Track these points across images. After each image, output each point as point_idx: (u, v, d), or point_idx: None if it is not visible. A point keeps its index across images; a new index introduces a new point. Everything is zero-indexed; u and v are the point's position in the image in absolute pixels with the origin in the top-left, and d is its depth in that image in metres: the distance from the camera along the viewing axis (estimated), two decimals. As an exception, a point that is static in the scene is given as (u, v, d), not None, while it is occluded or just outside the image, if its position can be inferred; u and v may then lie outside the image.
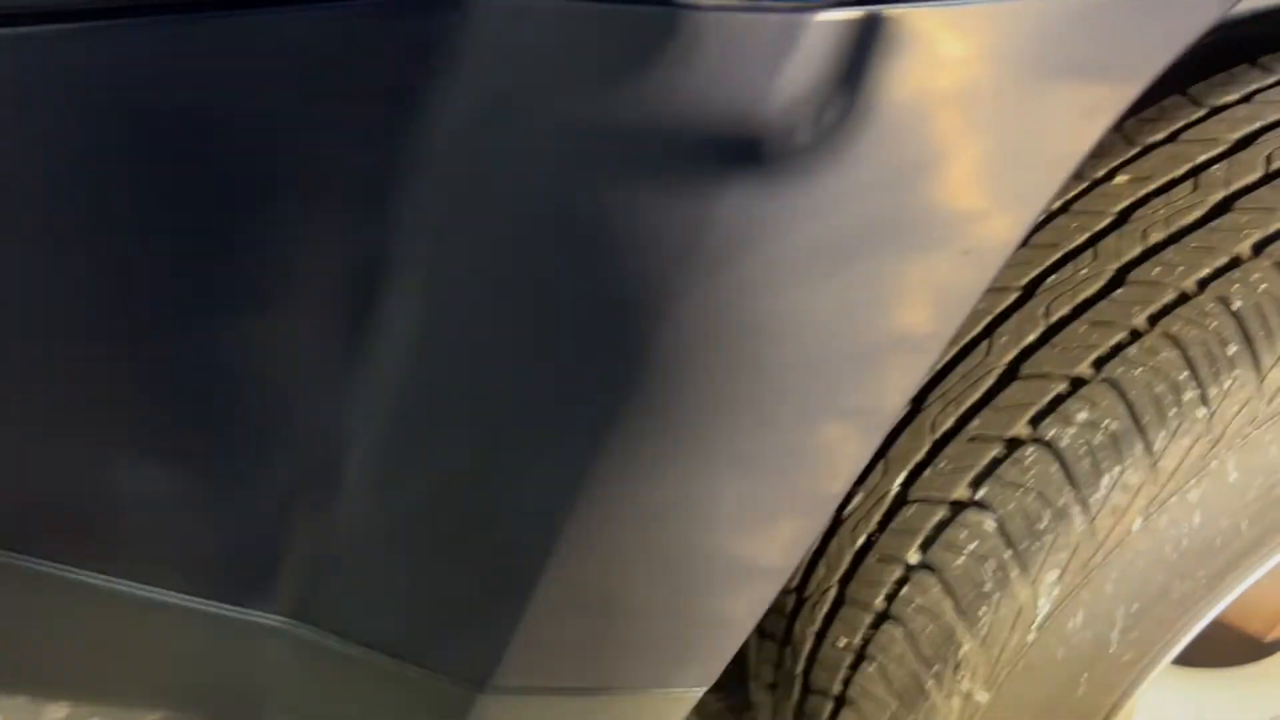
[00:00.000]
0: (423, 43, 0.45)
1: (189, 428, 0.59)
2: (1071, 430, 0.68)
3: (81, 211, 0.50)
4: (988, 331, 0.75)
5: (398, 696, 0.67)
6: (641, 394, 0.53)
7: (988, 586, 0.70)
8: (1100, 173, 0.78)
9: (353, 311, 0.52)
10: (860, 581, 0.76)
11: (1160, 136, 0.78)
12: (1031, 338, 0.73)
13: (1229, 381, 0.65)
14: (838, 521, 0.78)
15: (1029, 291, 0.75)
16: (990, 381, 0.73)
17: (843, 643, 0.76)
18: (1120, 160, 0.78)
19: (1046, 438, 0.69)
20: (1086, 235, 0.75)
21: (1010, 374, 0.73)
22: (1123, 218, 0.75)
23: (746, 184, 0.47)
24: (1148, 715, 0.87)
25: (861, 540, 0.77)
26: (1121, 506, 0.66)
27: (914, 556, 0.73)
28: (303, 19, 0.45)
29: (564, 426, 0.56)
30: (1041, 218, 0.77)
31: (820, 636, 0.78)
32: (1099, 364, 0.69)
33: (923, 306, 0.54)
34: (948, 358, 0.75)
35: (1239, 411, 0.65)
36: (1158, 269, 0.71)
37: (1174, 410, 0.66)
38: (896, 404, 0.59)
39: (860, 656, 0.76)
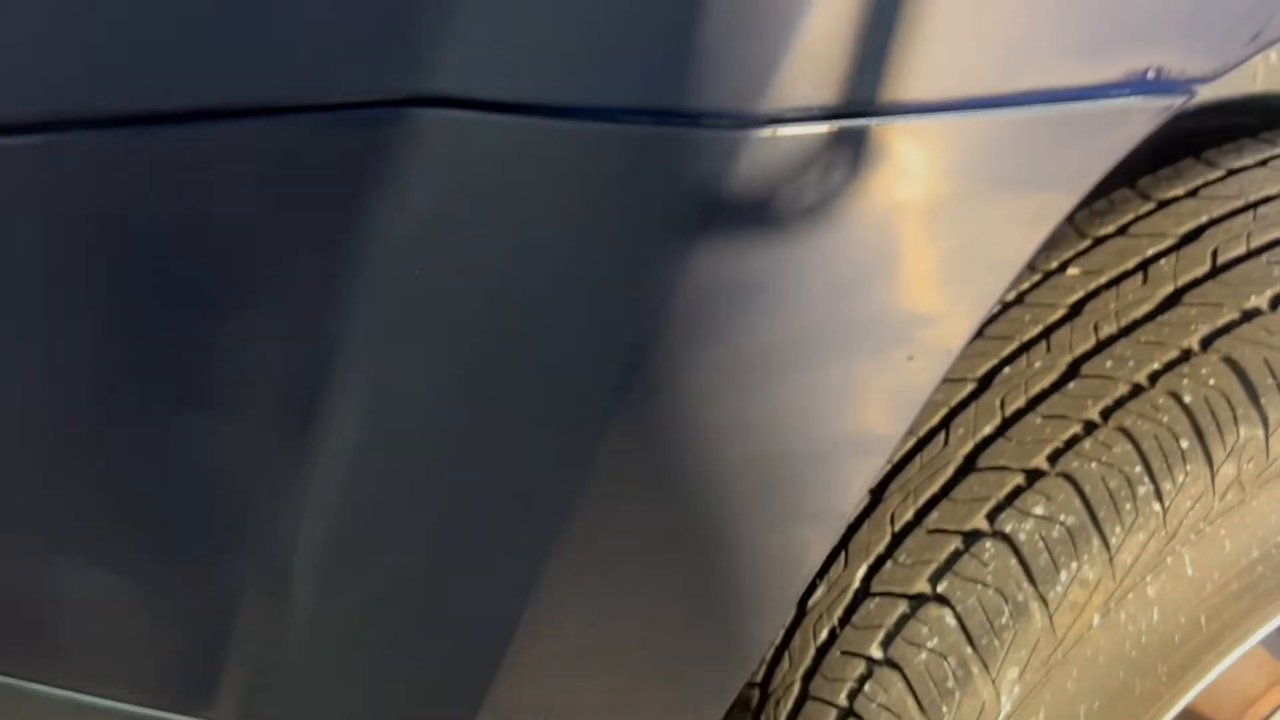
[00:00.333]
0: (370, 155, 0.46)
1: (132, 529, 0.58)
2: (1029, 524, 0.68)
3: (21, 318, 0.50)
4: (945, 423, 0.75)
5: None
6: (595, 496, 0.53)
7: (950, 684, 0.69)
8: (1053, 265, 0.79)
9: (300, 415, 0.52)
10: (823, 677, 0.75)
11: (1110, 230, 0.79)
12: (988, 430, 0.73)
13: (1182, 476, 0.66)
14: (801, 614, 0.77)
15: (985, 383, 0.76)
16: (948, 474, 0.73)
17: (806, 741, 0.75)
18: (1072, 253, 0.79)
19: (1005, 531, 0.69)
20: (1040, 327, 0.76)
21: (968, 466, 0.73)
22: (1075, 310, 0.76)
23: (697, 293, 0.47)
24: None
25: (825, 634, 0.76)
26: (1080, 602, 0.66)
27: (876, 652, 0.72)
28: (252, 131, 0.46)
29: (516, 530, 0.55)
30: (995, 310, 0.78)
31: (784, 734, 0.77)
32: (1054, 457, 0.70)
33: (875, 408, 0.54)
34: (906, 448, 0.75)
35: (1193, 506, 0.66)
36: (1110, 362, 0.71)
37: (1129, 505, 0.66)
38: (852, 502, 0.59)
39: (824, 755, 0.75)
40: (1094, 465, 0.68)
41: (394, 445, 0.52)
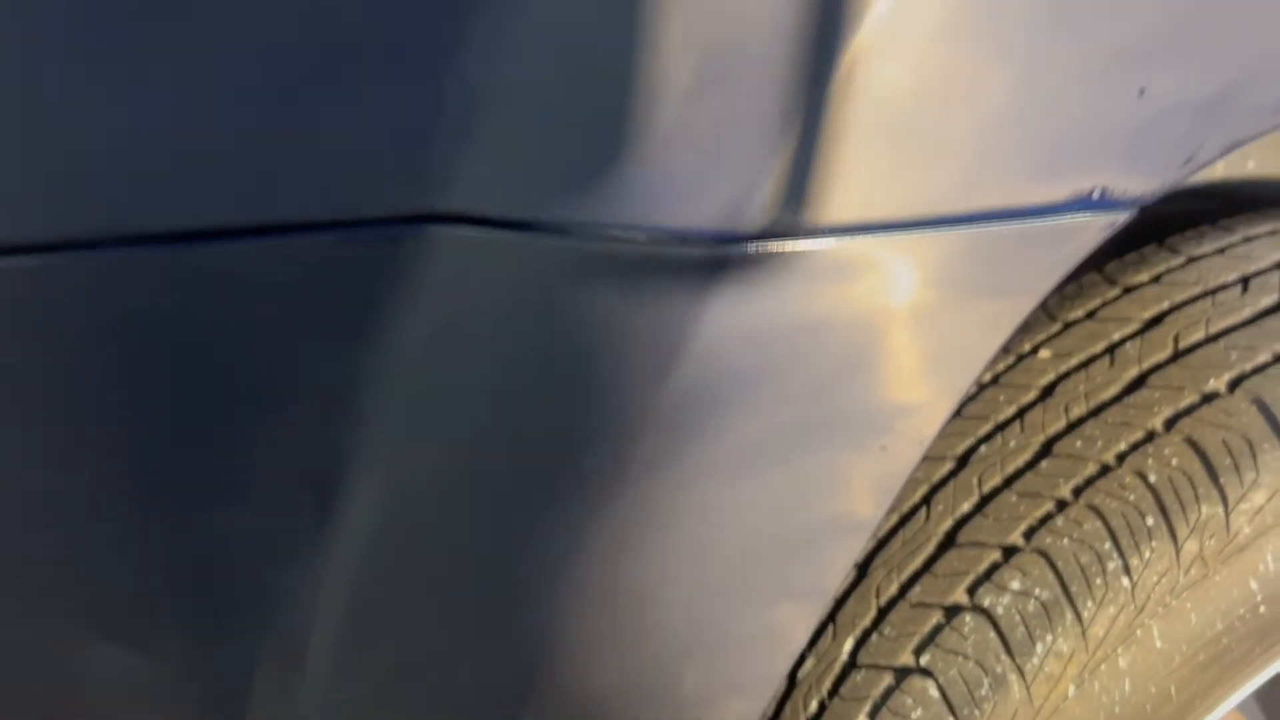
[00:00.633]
0: (387, 267, 0.50)
1: (157, 612, 0.61)
2: (1006, 599, 0.72)
3: (63, 414, 0.53)
4: (926, 500, 0.79)
5: None
6: (594, 580, 0.56)
7: (934, 754, 0.72)
8: (1026, 347, 0.84)
9: (318, 508, 0.55)
10: (813, 749, 0.78)
11: (1079, 314, 0.84)
12: (966, 507, 0.77)
13: (1148, 552, 0.69)
14: (791, 686, 0.80)
15: (963, 461, 0.79)
16: (930, 549, 0.77)
17: (796, 814, 0.78)
18: (1044, 336, 0.83)
19: (984, 605, 0.73)
20: (1014, 408, 0.80)
21: (948, 542, 0.77)
22: (1047, 392, 0.80)
23: (688, 392, 0.51)
24: None
25: (814, 706, 0.79)
26: (1055, 674, 0.69)
27: (863, 723, 0.75)
28: (277, 246, 0.50)
29: (521, 611, 0.59)
30: (972, 391, 0.82)
31: (775, 808, 0.80)
32: (1029, 534, 0.73)
33: (856, 494, 0.58)
34: (890, 525, 0.79)
35: (1159, 581, 0.69)
36: (1080, 442, 0.75)
37: (1099, 580, 0.70)
38: (838, 580, 0.63)
39: (814, 828, 0.77)
40: (1066, 541, 0.71)
41: (406, 535, 0.56)
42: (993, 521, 0.75)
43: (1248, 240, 0.85)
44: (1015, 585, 0.72)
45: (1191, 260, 0.84)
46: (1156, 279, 0.83)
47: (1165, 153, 0.50)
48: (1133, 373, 0.77)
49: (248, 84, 0.45)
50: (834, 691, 0.77)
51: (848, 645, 0.78)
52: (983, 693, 0.71)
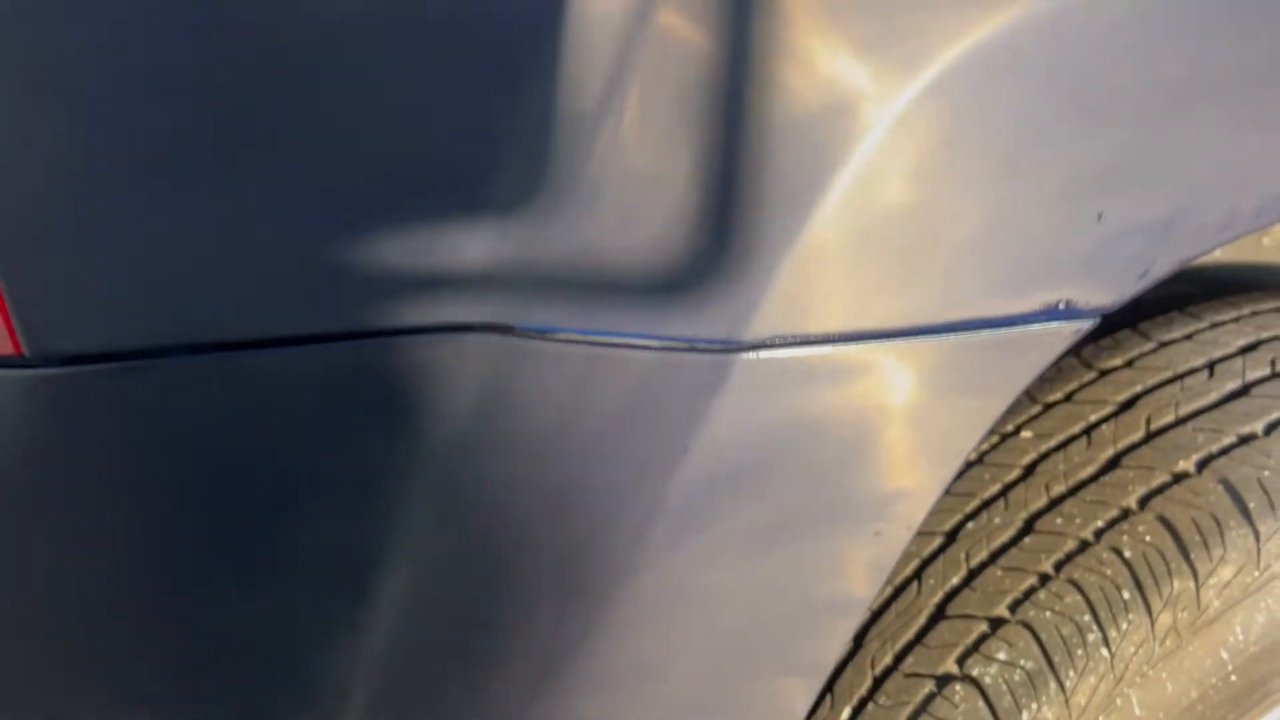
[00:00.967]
0: (423, 372, 0.55)
1: (200, 690, 0.65)
2: (993, 669, 0.76)
3: (124, 507, 0.58)
4: (917, 573, 0.84)
5: None
6: (605, 657, 0.61)
7: (929, 819, 0.76)
8: (1009, 428, 0.89)
9: (354, 589, 0.60)
10: (813, 817, 0.82)
11: (1058, 396, 0.89)
12: (955, 580, 0.82)
13: (1125, 624, 0.74)
14: (792, 754, 0.84)
15: (951, 537, 0.84)
16: (921, 621, 0.81)
17: None
18: (1026, 418, 0.89)
19: (972, 675, 0.77)
20: (999, 486, 0.85)
21: (938, 614, 0.81)
22: (1029, 471, 0.85)
23: (696, 483, 0.56)
24: None
25: (815, 774, 0.83)
26: (1041, 741, 0.74)
27: (862, 790, 0.79)
28: (323, 352, 0.55)
29: (543, 681, 0.63)
30: (960, 470, 0.87)
31: None
32: (1014, 607, 0.78)
33: (851, 574, 0.63)
34: (884, 598, 0.84)
35: (1136, 651, 0.74)
36: (1060, 519, 0.80)
37: (1080, 650, 0.74)
38: (835, 655, 0.67)
39: None
40: (1049, 614, 0.76)
41: (434, 616, 0.61)
42: (980, 595, 0.80)
43: (1214, 326, 0.91)
44: (1002, 656, 0.76)
45: (1162, 345, 0.90)
46: (1129, 363, 0.89)
47: (1122, 269, 0.56)
48: (1108, 453, 0.82)
49: (314, 212, 0.51)
50: (833, 759, 0.81)
51: (845, 714, 0.82)
52: (974, 760, 0.75)
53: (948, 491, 0.86)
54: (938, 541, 0.85)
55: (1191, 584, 0.74)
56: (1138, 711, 0.74)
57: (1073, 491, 0.81)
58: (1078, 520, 0.79)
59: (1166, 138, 0.54)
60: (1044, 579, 0.78)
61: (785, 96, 0.50)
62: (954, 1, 0.49)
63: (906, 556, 0.84)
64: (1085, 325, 0.57)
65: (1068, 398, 0.89)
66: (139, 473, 0.56)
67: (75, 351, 0.53)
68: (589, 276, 0.54)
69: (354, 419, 0.56)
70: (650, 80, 0.51)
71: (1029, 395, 0.90)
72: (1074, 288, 0.55)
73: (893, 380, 0.56)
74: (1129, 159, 0.54)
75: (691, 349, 0.54)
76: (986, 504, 0.85)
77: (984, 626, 0.78)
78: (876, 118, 0.50)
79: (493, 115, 0.51)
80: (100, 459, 0.56)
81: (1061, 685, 0.74)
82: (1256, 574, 0.75)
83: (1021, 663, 0.75)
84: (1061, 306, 0.56)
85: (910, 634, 0.82)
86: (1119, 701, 0.74)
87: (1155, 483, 0.79)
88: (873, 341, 0.54)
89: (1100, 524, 0.78)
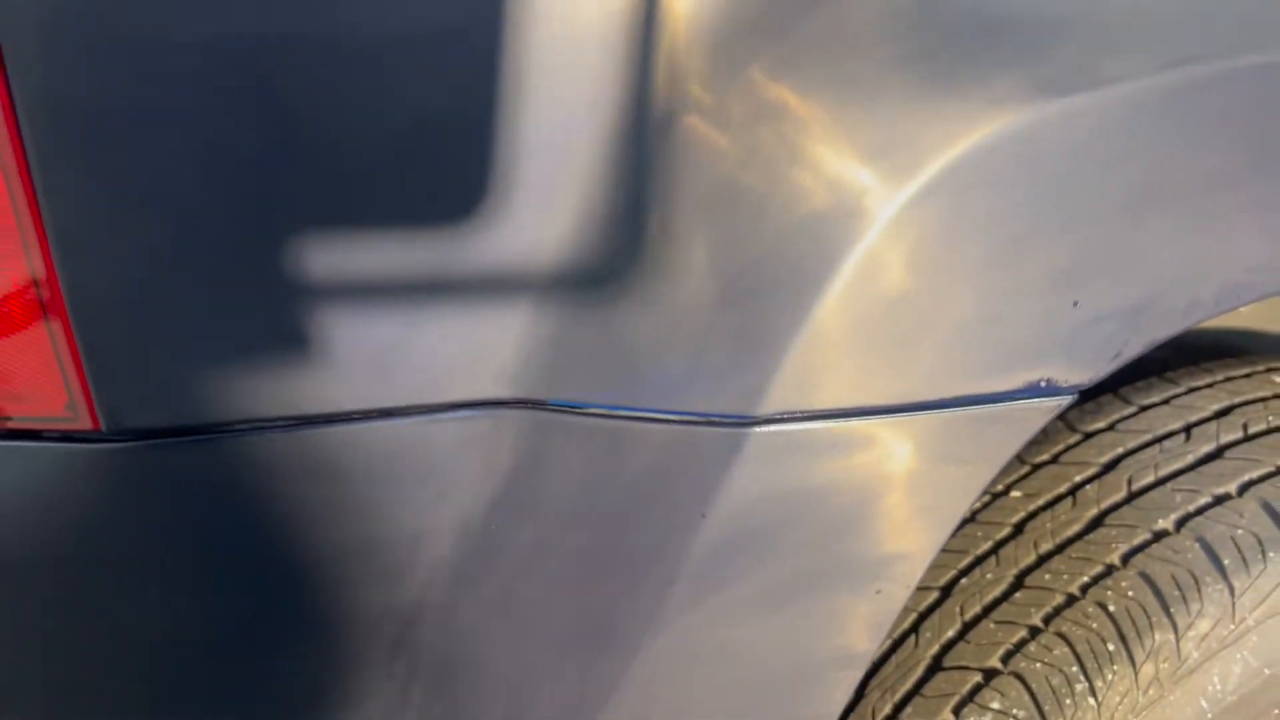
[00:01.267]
0: (464, 442, 0.61)
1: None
2: (987, 717, 0.81)
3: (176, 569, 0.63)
4: (915, 627, 0.88)
5: None
6: (629, 705, 0.66)
7: None
8: (999, 488, 0.94)
9: (392, 641, 0.65)
10: None
11: (1045, 458, 0.94)
12: (950, 634, 0.86)
13: (1110, 675, 0.79)
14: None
15: (946, 592, 0.89)
16: (919, 673, 0.86)
17: None
18: (1015, 478, 0.94)
19: (968, 723, 0.81)
20: (990, 543, 0.90)
21: (935, 666, 0.86)
22: (1018, 529, 0.90)
23: (713, 548, 0.61)
24: None
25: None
26: (1033, 786, 0.78)
27: (864, 835, 0.83)
28: (387, 426, 0.61)
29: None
30: (955, 527, 0.92)
31: None
32: (1006, 658, 0.82)
33: (854, 630, 0.68)
34: (883, 650, 0.88)
35: (1121, 701, 0.78)
36: (1048, 575, 0.85)
37: (1069, 700, 0.79)
38: (840, 705, 0.72)
39: None
40: (1038, 665, 0.81)
41: (471, 666, 0.65)
42: (974, 647, 0.84)
43: (1191, 391, 0.97)
44: (995, 705, 0.81)
45: (1142, 409, 0.95)
46: (1112, 426, 0.94)
47: (1097, 350, 0.62)
48: (1093, 512, 0.88)
49: (376, 303, 0.56)
50: (837, 805, 0.85)
51: (848, 762, 0.86)
52: (970, 804, 0.79)
53: (943, 548, 0.91)
54: (933, 596, 0.90)
55: (1172, 636, 0.79)
56: (1124, 758, 0.79)
57: (1060, 549, 0.86)
58: (1065, 576, 0.84)
59: (1132, 235, 0.60)
60: (1034, 632, 0.83)
61: (796, 197, 0.56)
62: (943, 116, 0.56)
63: (904, 611, 0.89)
64: (1065, 401, 0.63)
65: (1054, 459, 0.94)
66: (205, 537, 0.61)
67: (147, 427, 0.58)
68: (615, 357, 0.60)
69: (406, 486, 0.61)
70: (676, 181, 0.57)
71: (1018, 457, 0.96)
72: (1054, 367, 0.61)
73: (891, 451, 0.61)
74: (1100, 254, 0.60)
75: (709, 423, 0.59)
76: (979, 560, 0.90)
77: (978, 677, 0.83)
78: (876, 217, 0.56)
79: (536, 217, 0.56)
80: (170, 525, 0.61)
81: (1052, 733, 0.78)
82: (1232, 627, 0.79)
83: (1014, 712, 0.80)
84: (1043, 384, 0.62)
85: (909, 685, 0.86)
86: (1106, 748, 0.78)
87: (1137, 540, 0.84)
88: (873, 416, 0.60)
89: (1086, 579, 0.83)
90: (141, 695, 0.65)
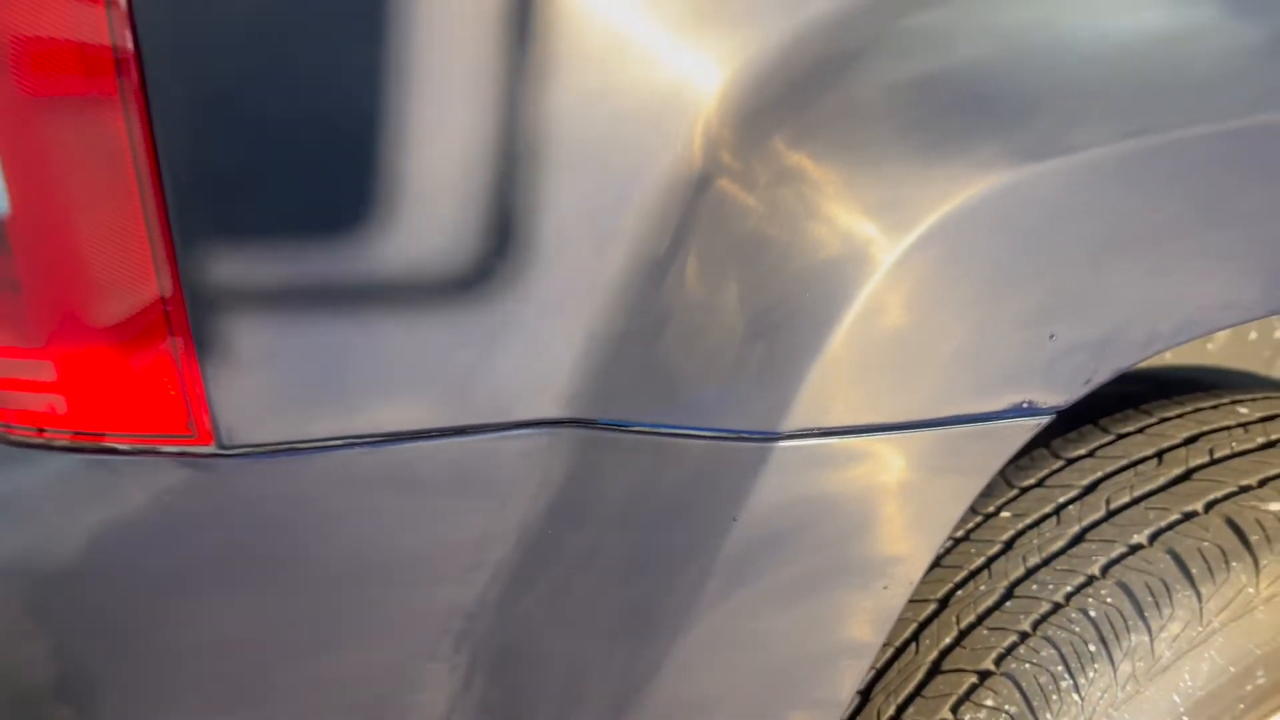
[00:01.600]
0: (524, 458, 0.70)
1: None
2: (982, 715, 0.89)
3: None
4: (915, 636, 0.97)
5: None
6: (668, 689, 0.74)
7: None
8: (991, 509, 1.03)
9: (451, 646, 0.73)
10: None
11: (1031, 482, 1.03)
12: (948, 640, 0.95)
13: (1092, 673, 0.87)
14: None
15: (944, 603, 0.98)
16: (919, 676, 0.94)
17: None
18: (1004, 500, 1.03)
19: (965, 720, 0.90)
20: (983, 558, 0.99)
21: (934, 670, 0.94)
22: (1008, 545, 0.99)
23: (741, 548, 0.70)
24: None
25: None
26: (1025, 776, 0.86)
27: (869, 829, 0.91)
28: (446, 445, 0.70)
29: (601, 716, 0.76)
30: (950, 545, 1.02)
31: None
32: (998, 661, 0.91)
33: (861, 624, 0.77)
34: (886, 657, 0.97)
35: (1102, 697, 0.87)
36: (1035, 585, 0.94)
37: (1055, 696, 0.87)
38: (847, 693, 0.80)
39: None
40: (1028, 666, 0.89)
41: (527, 658, 0.74)
42: (969, 652, 0.93)
43: (1163, 421, 1.06)
44: (989, 703, 0.89)
45: (1119, 437, 1.05)
46: (1092, 453, 1.04)
47: (1071, 376, 0.72)
48: (1075, 529, 0.97)
49: (459, 335, 0.66)
50: (845, 799, 0.93)
51: (857, 758, 0.94)
52: (968, 794, 0.87)
53: (939, 564, 1.00)
54: (932, 607, 0.98)
55: (1147, 638, 0.88)
56: (1106, 748, 0.87)
57: (1046, 562, 0.95)
58: (1050, 586, 0.93)
59: (1097, 278, 0.70)
60: (1023, 636, 0.91)
61: (813, 246, 0.67)
62: (937, 178, 0.66)
63: (905, 621, 0.97)
64: (1044, 420, 0.72)
65: (1040, 483, 1.03)
66: (301, 543, 0.70)
67: (258, 443, 0.67)
68: (658, 382, 0.70)
69: (475, 496, 0.70)
70: (711, 233, 0.67)
71: (1007, 481, 1.05)
72: (1035, 391, 0.71)
73: (895, 464, 0.71)
74: (1070, 294, 0.70)
75: (739, 439, 0.69)
76: (973, 574, 0.99)
77: (973, 679, 0.91)
78: (881, 263, 0.66)
79: (589, 265, 0.66)
80: (273, 532, 0.70)
81: (1040, 726, 0.87)
82: (1200, 629, 0.88)
83: (1006, 708, 0.88)
84: (1026, 405, 0.71)
85: (910, 688, 0.95)
86: (1090, 740, 0.87)
87: (1114, 553, 0.93)
88: (879, 433, 0.70)
89: (1069, 589, 0.92)
90: (244, 686, 0.73)
